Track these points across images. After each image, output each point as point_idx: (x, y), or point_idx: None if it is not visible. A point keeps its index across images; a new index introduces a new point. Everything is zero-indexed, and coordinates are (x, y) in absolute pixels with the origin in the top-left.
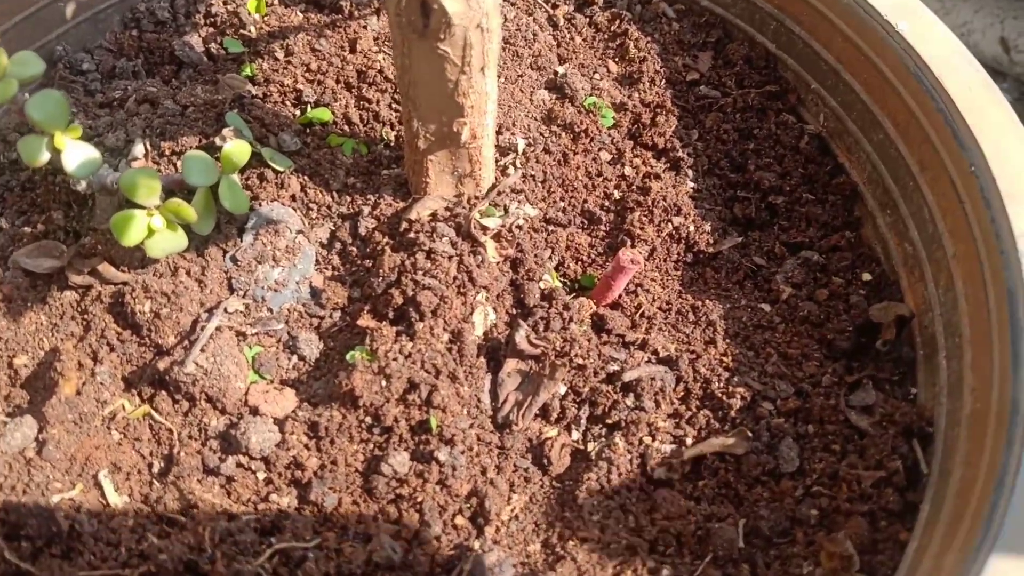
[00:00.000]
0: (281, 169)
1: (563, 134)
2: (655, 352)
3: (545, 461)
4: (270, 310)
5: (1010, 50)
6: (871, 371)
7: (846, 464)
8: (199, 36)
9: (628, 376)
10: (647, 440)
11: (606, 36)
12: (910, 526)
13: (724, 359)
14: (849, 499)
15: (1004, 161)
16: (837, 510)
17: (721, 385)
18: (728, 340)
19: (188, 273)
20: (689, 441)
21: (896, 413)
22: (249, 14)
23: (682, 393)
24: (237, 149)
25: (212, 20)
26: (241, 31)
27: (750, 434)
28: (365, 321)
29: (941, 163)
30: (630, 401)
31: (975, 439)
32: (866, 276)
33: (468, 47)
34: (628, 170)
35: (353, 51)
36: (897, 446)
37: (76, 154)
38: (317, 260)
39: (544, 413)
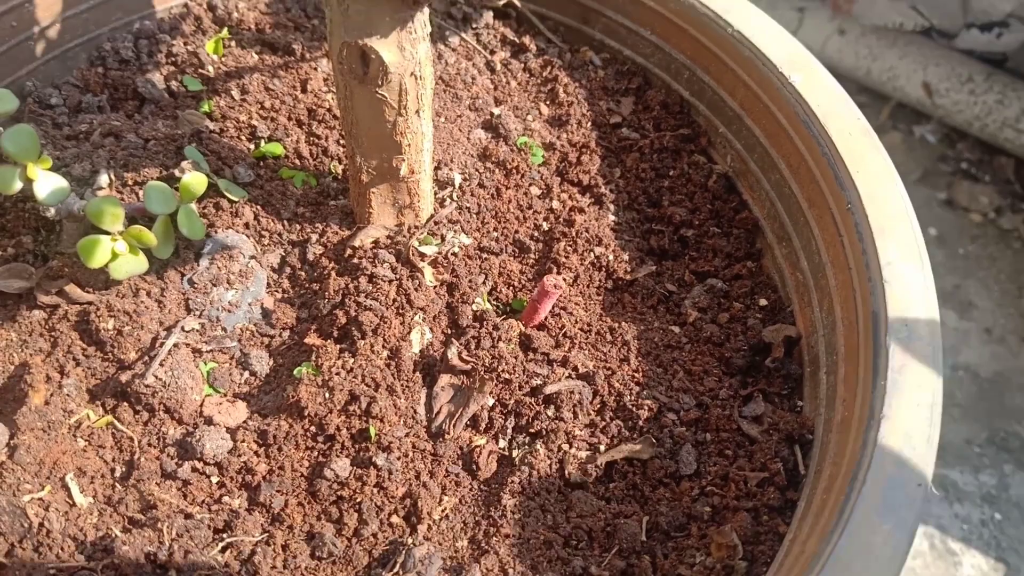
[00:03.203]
0: (236, 199)
1: (497, 170)
2: (575, 368)
3: (474, 466)
4: (224, 329)
5: (932, 94)
6: (763, 386)
7: (736, 467)
8: (161, 74)
9: (549, 390)
10: (565, 447)
11: (539, 81)
12: (788, 520)
13: (636, 375)
14: (737, 497)
15: (876, 200)
16: (727, 507)
17: (632, 398)
18: (640, 358)
19: (148, 294)
20: (602, 448)
21: (781, 422)
22: (208, 54)
23: (598, 405)
24: (195, 180)
25: (173, 59)
26: (200, 70)
27: (655, 441)
28: (311, 339)
29: (825, 201)
30: (551, 412)
31: (842, 443)
32: (763, 301)
33: (404, 92)
34: (556, 204)
35: (304, 91)
36: (780, 451)
37: (46, 183)
38: (268, 283)
39: (474, 423)
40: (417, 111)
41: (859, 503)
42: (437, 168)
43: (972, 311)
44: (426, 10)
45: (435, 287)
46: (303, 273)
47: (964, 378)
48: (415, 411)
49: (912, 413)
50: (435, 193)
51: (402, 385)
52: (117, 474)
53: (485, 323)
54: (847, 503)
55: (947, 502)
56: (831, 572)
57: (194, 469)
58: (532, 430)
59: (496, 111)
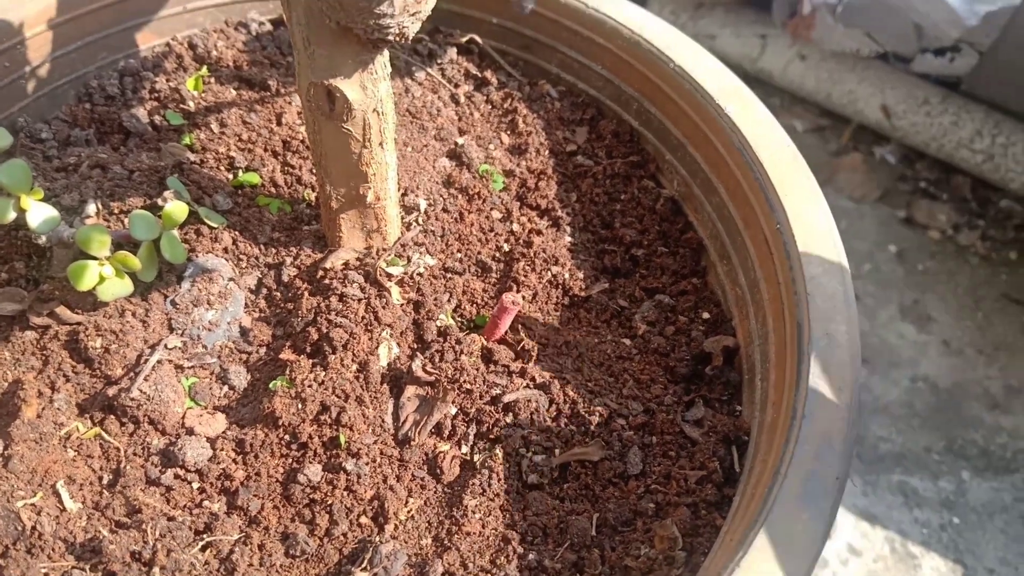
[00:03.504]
0: (215, 225)
1: (460, 196)
2: (532, 379)
3: (438, 471)
4: (205, 346)
5: (891, 116)
6: (704, 392)
7: (678, 466)
8: (144, 109)
9: (508, 398)
10: (523, 451)
11: (500, 112)
12: (725, 514)
13: (589, 384)
14: (678, 493)
15: (802, 221)
16: (669, 503)
17: (585, 405)
18: (593, 368)
19: (134, 315)
20: (557, 451)
21: (719, 425)
22: (189, 91)
23: (554, 412)
24: (176, 209)
25: (156, 95)
26: (181, 105)
27: (606, 444)
28: (286, 355)
29: (758, 222)
30: (510, 419)
31: (769, 442)
32: (706, 315)
33: (367, 127)
34: (515, 227)
35: (279, 123)
36: (717, 451)
37: (38, 213)
38: (246, 303)
39: (438, 430)
40: (380, 143)
41: (781, 494)
42: (404, 194)
43: (931, 325)
44: (386, 53)
45: (402, 305)
46: (278, 294)
47: (923, 389)
48: (383, 420)
49: (831, 413)
50: (402, 217)
51: (370, 396)
52: (104, 481)
53: (449, 338)
54: (770, 494)
55: (907, 507)
56: (753, 556)
57: (176, 476)
58: (492, 436)
59: (460, 140)
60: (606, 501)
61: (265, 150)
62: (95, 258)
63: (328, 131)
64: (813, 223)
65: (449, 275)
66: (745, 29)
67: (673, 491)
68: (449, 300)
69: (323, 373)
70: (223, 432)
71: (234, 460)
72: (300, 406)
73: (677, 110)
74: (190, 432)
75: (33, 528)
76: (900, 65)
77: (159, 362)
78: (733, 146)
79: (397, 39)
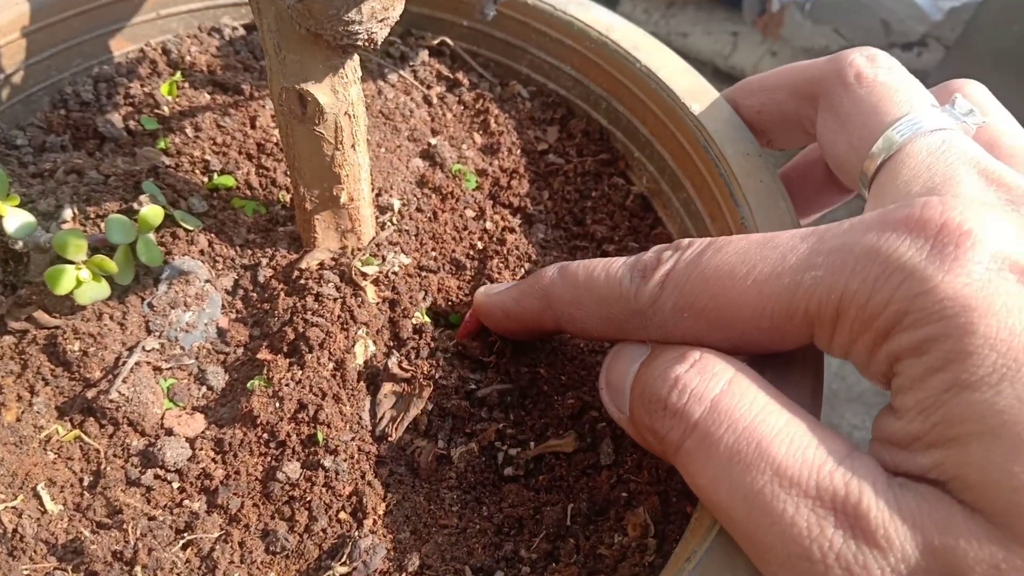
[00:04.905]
0: (191, 228)
1: (434, 195)
2: (507, 373)
3: (415, 465)
4: (182, 348)
5: None
6: None
7: (648, 456)
8: (119, 115)
9: (483, 393)
10: (498, 445)
11: (472, 113)
12: (694, 501)
13: (562, 377)
14: (649, 482)
15: (764, 217)
16: (640, 492)
17: (558, 398)
18: (567, 362)
19: (111, 318)
20: (532, 444)
21: None
22: (163, 95)
23: (528, 406)
24: (152, 212)
25: (130, 101)
26: (156, 110)
27: (578, 436)
28: (263, 355)
29: (724, 216)
30: (484, 414)
31: None
32: None
33: (339, 129)
34: (489, 225)
35: (253, 127)
36: None
37: (15, 219)
38: (223, 305)
39: (415, 426)
40: (352, 145)
41: None
42: (378, 195)
43: None
44: (356, 57)
45: (377, 304)
46: (255, 294)
47: None
48: (360, 417)
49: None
50: (376, 217)
51: (347, 394)
52: (85, 483)
53: (424, 335)
54: None
55: None
56: (721, 539)
57: (156, 476)
58: (467, 430)
59: (433, 141)
60: (580, 492)
61: (240, 153)
62: (72, 262)
63: (301, 134)
64: (775, 217)
65: (424, 273)
66: (716, 27)
67: (644, 480)
68: (424, 298)
69: (300, 372)
70: (202, 432)
71: (213, 459)
72: (278, 405)
73: (644, 109)
74: (169, 433)
75: (15, 531)
76: None
77: (137, 364)
78: (698, 143)
79: (366, 44)
